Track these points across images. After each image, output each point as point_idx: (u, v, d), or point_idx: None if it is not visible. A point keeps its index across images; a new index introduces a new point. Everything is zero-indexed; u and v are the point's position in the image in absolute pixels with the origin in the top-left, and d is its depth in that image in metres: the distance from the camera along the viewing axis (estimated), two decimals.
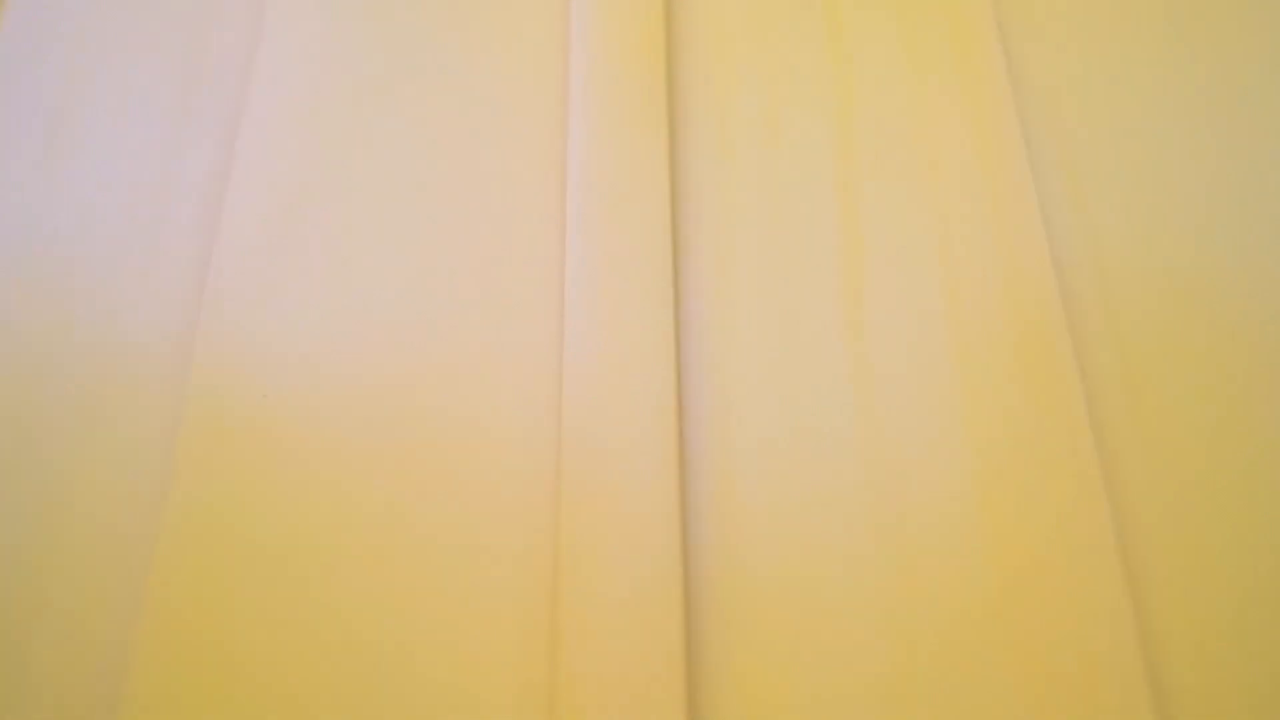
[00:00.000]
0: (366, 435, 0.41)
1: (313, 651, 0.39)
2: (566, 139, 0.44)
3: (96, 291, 0.42)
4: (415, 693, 0.39)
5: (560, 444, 0.40)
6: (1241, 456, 0.41)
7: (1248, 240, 0.44)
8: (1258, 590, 0.39)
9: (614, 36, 0.45)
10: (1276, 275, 0.43)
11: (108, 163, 0.44)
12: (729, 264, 0.44)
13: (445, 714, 0.38)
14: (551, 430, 0.41)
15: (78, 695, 0.38)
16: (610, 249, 0.43)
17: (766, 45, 0.48)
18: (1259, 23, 0.46)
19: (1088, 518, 0.39)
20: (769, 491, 0.40)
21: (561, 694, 0.32)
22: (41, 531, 0.42)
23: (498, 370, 0.42)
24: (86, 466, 0.42)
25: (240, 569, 0.40)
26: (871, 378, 0.41)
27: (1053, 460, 0.39)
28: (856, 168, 0.45)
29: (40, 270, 0.41)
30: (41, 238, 0.41)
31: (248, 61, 0.44)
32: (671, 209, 0.42)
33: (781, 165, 0.45)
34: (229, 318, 0.42)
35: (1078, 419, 0.39)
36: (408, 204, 0.46)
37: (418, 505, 0.40)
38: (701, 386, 0.41)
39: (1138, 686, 0.37)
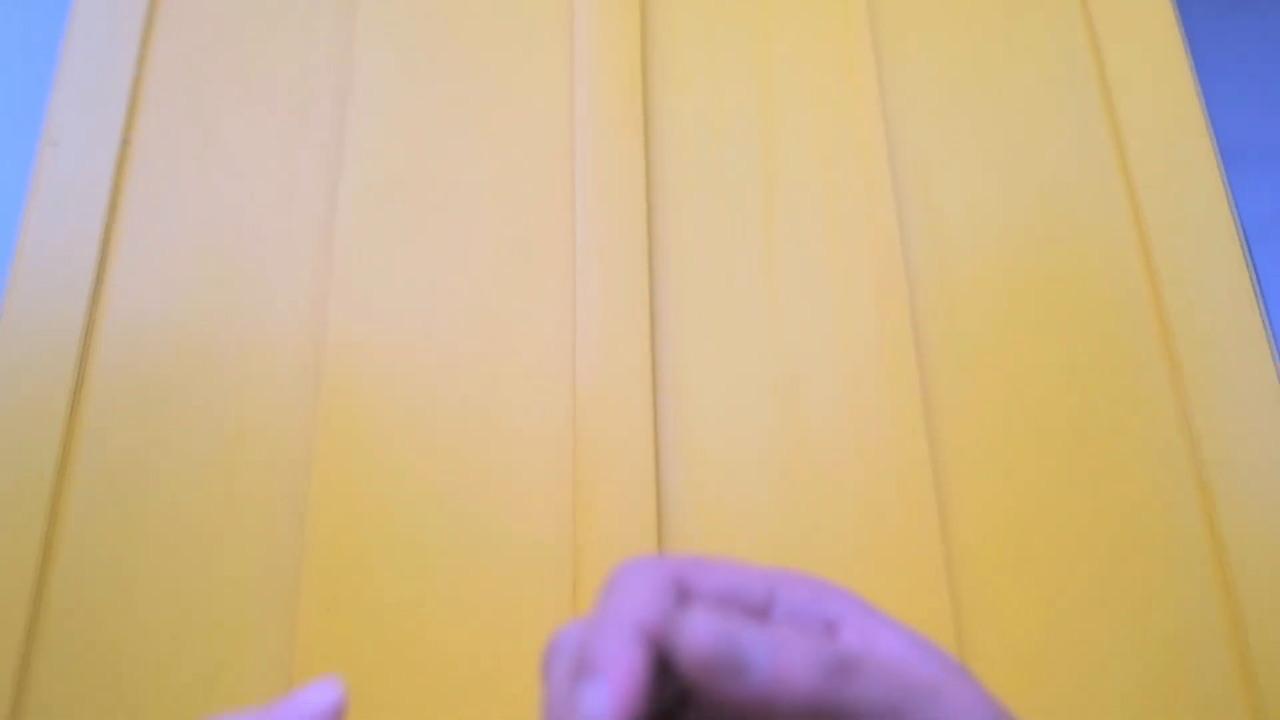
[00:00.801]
0: (438, 421, 0.45)
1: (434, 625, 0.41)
2: (574, 168, 0.51)
3: (241, 282, 0.49)
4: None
5: (574, 383, 0.46)
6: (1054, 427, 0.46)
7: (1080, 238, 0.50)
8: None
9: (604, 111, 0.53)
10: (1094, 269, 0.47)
11: (246, 174, 0.51)
12: (687, 255, 0.47)
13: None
14: (567, 376, 0.47)
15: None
16: (608, 246, 0.49)
17: (709, 77, 0.54)
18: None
19: (909, 436, 0.46)
20: (719, 432, 0.47)
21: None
22: (199, 501, 0.44)
23: (521, 355, 0.47)
24: (236, 439, 0.46)
25: (375, 552, 0.43)
26: (782, 328, 0.48)
27: (887, 390, 0.47)
28: (776, 172, 0.51)
29: (197, 265, 0.48)
30: (197, 239, 0.49)
31: (344, 91, 0.52)
32: (648, 212, 0.50)
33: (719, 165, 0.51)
34: (348, 304, 0.48)
35: (911, 372, 0.47)
36: (466, 207, 0.49)
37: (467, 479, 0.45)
38: (669, 362, 0.48)
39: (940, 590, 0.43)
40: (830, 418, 0.46)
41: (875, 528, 0.44)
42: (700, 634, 0.25)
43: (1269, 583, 0.43)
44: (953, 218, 0.50)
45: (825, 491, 0.45)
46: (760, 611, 0.29)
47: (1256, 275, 0.48)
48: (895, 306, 0.47)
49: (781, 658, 0.26)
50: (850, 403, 0.46)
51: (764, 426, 0.46)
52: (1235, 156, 0.52)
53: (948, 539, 0.44)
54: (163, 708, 0.40)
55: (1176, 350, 0.46)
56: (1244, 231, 0.49)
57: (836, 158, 0.50)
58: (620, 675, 0.26)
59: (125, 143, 0.50)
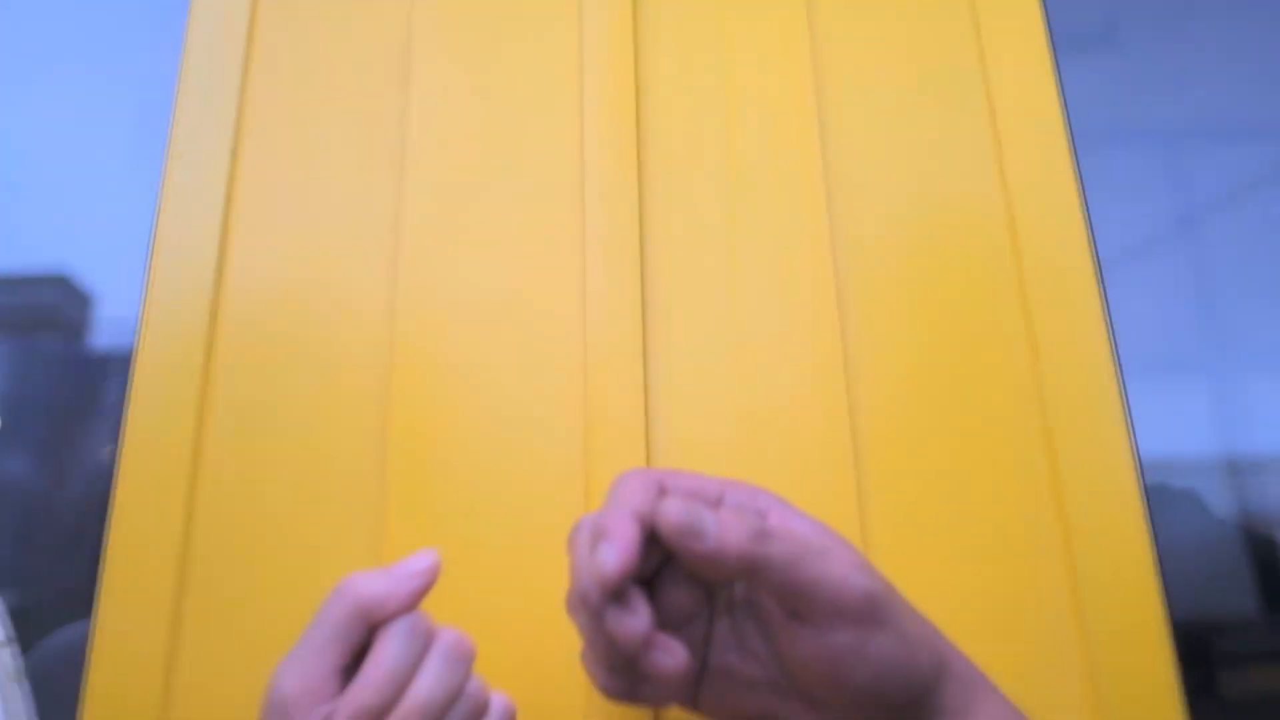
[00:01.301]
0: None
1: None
2: (584, 188, 0.65)
3: (330, 263, 0.63)
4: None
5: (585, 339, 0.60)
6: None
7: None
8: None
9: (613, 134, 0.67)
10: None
11: (330, 180, 0.65)
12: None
13: None
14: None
15: None
16: (609, 248, 0.64)
17: (685, 114, 0.69)
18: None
19: (832, 399, 0.60)
20: (693, 382, 0.61)
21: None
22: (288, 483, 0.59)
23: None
24: (323, 426, 0.60)
25: (440, 472, 0.59)
26: (738, 310, 0.63)
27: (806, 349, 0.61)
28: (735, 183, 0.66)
29: (295, 248, 0.63)
30: (295, 228, 0.64)
31: (405, 113, 0.66)
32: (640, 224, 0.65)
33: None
34: (413, 281, 0.62)
35: (837, 349, 0.62)
36: (499, 211, 0.65)
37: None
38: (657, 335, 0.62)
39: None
40: (773, 379, 0.61)
41: (796, 457, 0.59)
42: (674, 512, 0.41)
43: (1095, 505, 0.58)
44: (873, 227, 0.65)
45: (766, 435, 0.60)
46: (714, 502, 0.45)
47: (1102, 273, 0.64)
48: (825, 300, 0.62)
49: (724, 529, 0.41)
50: (789, 370, 0.61)
51: (725, 382, 0.61)
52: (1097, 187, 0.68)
53: (860, 468, 0.59)
54: (291, 585, 0.56)
55: (1035, 330, 0.61)
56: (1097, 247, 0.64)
57: (782, 181, 0.65)
58: (622, 539, 0.41)
59: (234, 155, 0.65)
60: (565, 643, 0.51)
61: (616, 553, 0.41)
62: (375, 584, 0.42)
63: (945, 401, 0.60)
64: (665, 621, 0.43)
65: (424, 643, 0.42)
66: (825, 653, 0.40)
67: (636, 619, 0.41)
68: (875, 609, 0.40)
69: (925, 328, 0.62)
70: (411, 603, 0.42)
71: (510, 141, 0.65)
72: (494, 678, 0.45)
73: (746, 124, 0.66)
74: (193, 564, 0.56)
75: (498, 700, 0.44)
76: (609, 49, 0.67)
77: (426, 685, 0.41)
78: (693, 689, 0.44)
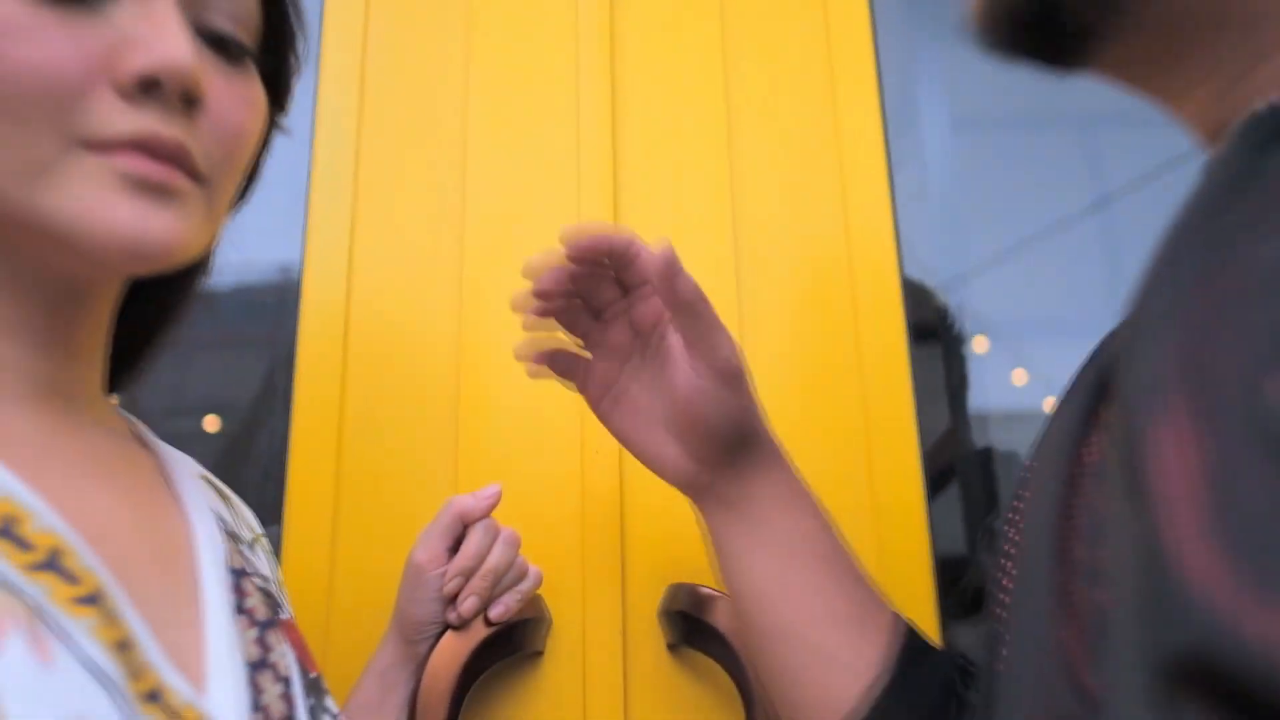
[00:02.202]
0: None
1: None
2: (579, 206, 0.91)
3: (413, 256, 0.90)
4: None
5: None
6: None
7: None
8: None
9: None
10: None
11: (414, 195, 0.92)
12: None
13: None
14: None
15: None
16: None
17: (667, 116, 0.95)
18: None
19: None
20: None
21: None
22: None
23: None
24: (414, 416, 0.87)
25: (491, 417, 0.86)
26: None
27: None
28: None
29: (392, 249, 0.90)
30: (391, 234, 0.91)
31: (463, 131, 0.93)
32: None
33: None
34: (476, 269, 0.88)
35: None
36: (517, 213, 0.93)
37: None
38: None
39: None
40: None
41: None
42: (666, 250, 0.60)
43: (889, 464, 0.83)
44: (766, 239, 0.89)
45: None
46: None
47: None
48: (728, 300, 0.87)
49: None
50: None
51: None
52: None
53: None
54: (403, 502, 0.84)
55: (860, 317, 0.86)
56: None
57: (686, 209, 0.90)
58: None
59: (355, 178, 0.91)
60: (566, 544, 0.78)
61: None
62: (467, 502, 0.70)
63: (812, 390, 0.86)
64: (607, 348, 0.63)
65: (494, 534, 0.70)
66: (696, 395, 0.58)
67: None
68: (739, 380, 0.59)
69: (800, 330, 0.87)
70: (487, 512, 0.70)
71: (545, 172, 0.91)
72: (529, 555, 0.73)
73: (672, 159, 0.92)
74: (344, 487, 0.84)
75: (533, 570, 0.73)
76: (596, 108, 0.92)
77: (495, 557, 0.69)
78: (601, 391, 0.64)
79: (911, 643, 0.58)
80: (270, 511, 0.80)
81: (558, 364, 0.66)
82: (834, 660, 0.58)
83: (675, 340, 0.59)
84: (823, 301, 0.88)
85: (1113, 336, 0.45)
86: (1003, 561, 0.47)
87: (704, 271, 0.65)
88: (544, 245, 0.60)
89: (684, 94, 0.94)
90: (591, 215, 0.89)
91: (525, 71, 0.94)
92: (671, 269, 0.57)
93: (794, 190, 0.91)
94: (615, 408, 0.64)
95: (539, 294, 0.62)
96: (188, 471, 0.55)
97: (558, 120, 0.93)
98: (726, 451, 0.60)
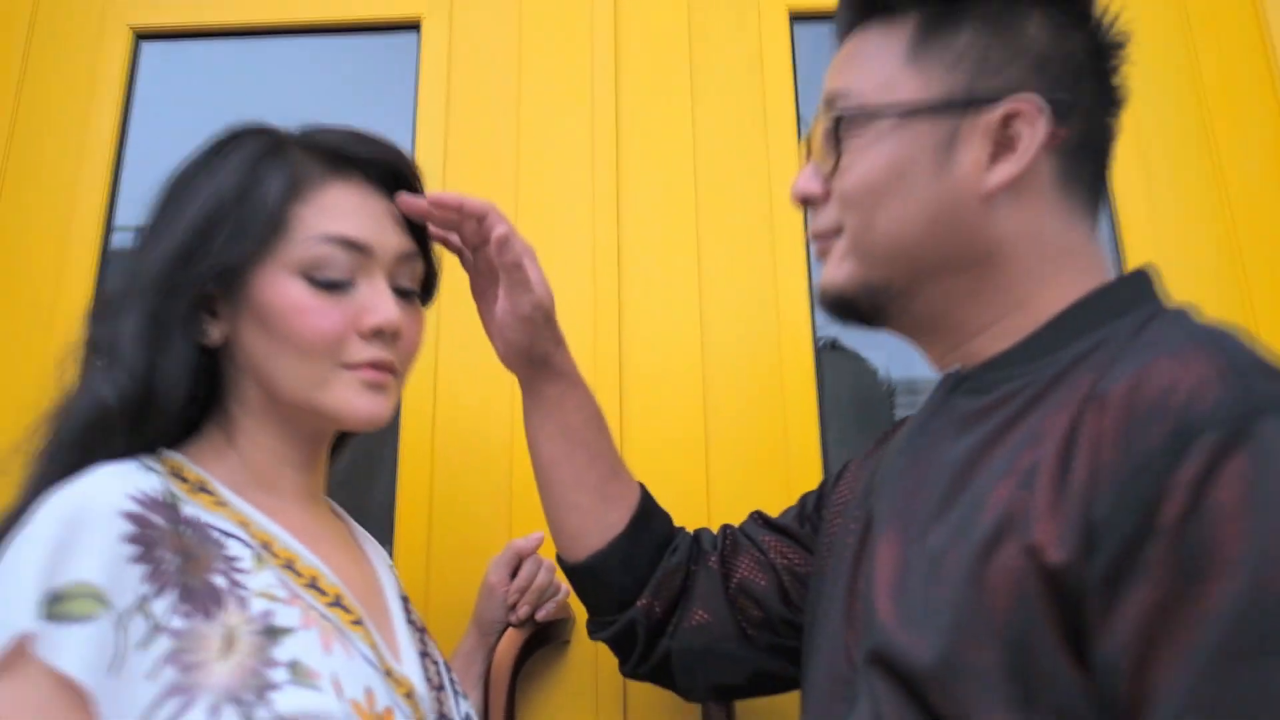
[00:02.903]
0: None
1: None
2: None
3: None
4: None
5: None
6: None
7: None
8: None
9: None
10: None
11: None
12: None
13: None
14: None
15: None
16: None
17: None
18: None
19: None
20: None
21: None
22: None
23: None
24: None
25: None
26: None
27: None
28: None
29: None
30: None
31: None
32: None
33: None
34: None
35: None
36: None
37: None
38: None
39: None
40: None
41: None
42: (502, 230, 0.90)
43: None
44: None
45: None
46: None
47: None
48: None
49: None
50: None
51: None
52: None
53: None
54: (479, 518, 1.21)
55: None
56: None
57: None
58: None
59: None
60: None
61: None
62: (521, 543, 1.08)
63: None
64: (476, 266, 0.93)
65: (539, 564, 1.09)
66: (504, 323, 0.89)
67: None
68: (536, 325, 0.89)
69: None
70: (534, 550, 1.09)
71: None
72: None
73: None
74: (435, 531, 1.22)
75: (564, 587, 1.11)
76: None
77: (541, 579, 1.08)
78: (476, 291, 0.94)
79: (642, 512, 0.96)
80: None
81: (465, 262, 0.95)
82: (587, 515, 0.94)
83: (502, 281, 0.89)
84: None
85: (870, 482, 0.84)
86: (825, 544, 0.87)
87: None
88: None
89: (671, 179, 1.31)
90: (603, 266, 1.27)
91: (552, 175, 1.32)
92: (500, 241, 0.86)
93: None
94: (479, 304, 0.96)
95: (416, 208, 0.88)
96: (361, 532, 0.93)
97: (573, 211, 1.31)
98: (528, 363, 0.93)
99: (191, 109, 1.45)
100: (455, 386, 1.27)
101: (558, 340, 0.93)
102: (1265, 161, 1.31)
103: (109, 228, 1.35)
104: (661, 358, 1.27)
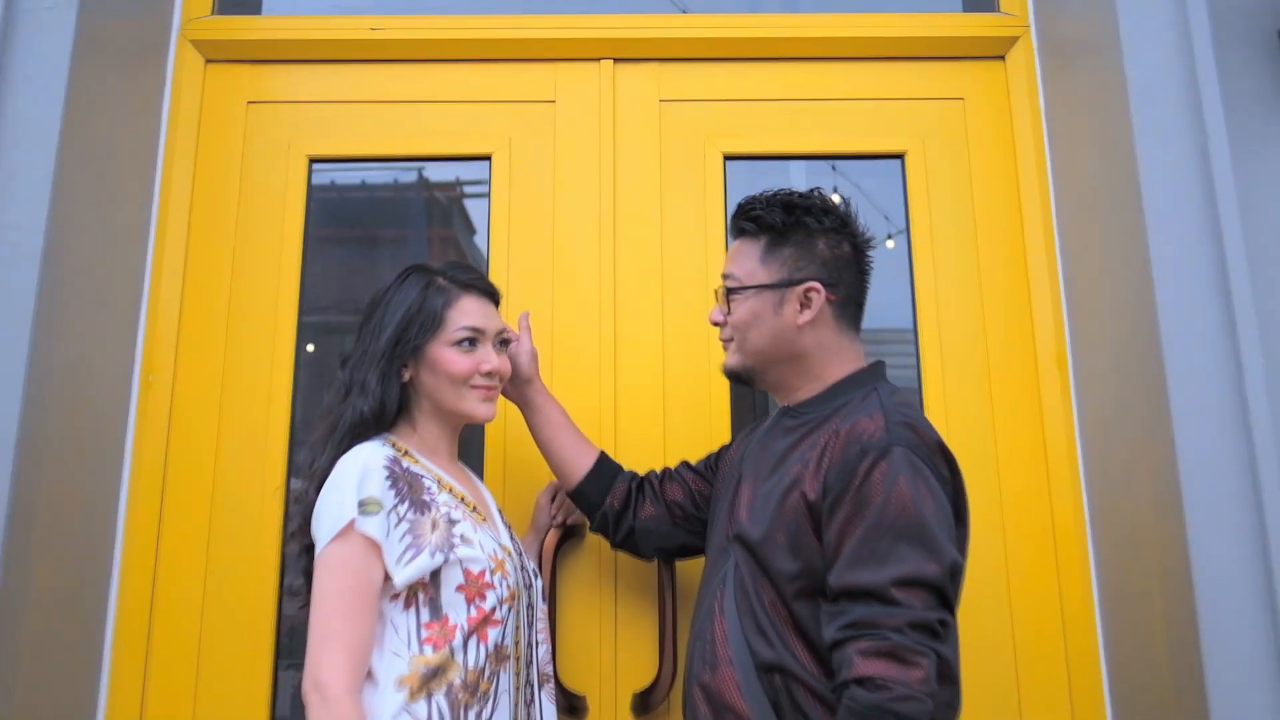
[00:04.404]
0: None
1: None
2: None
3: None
4: None
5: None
6: None
7: None
8: None
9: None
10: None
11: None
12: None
13: None
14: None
15: None
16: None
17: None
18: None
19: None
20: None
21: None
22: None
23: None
24: None
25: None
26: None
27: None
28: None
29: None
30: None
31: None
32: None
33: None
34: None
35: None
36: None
37: None
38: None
39: None
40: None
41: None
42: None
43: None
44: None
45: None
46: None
47: None
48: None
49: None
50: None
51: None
52: None
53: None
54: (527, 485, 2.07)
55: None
56: None
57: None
58: None
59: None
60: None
61: None
62: (554, 483, 1.95)
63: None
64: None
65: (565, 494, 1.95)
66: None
67: None
68: (522, 380, 1.87)
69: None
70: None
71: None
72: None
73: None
74: (510, 461, 2.09)
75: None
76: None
77: (568, 502, 1.95)
78: None
79: (600, 464, 1.88)
80: None
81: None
82: (572, 465, 1.88)
83: None
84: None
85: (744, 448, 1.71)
86: (719, 481, 1.78)
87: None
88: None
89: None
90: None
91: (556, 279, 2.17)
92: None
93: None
94: None
95: None
96: (474, 475, 1.81)
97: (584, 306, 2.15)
98: (519, 394, 1.89)
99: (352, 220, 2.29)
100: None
101: (535, 387, 1.91)
102: (1008, 258, 2.16)
103: (301, 303, 2.21)
104: (639, 374, 2.13)
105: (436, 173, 2.39)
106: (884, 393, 1.56)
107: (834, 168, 2.31)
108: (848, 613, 1.39)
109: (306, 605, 1.56)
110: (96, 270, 1.96)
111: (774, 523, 1.51)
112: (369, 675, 1.51)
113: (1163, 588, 1.76)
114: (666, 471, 1.90)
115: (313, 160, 2.27)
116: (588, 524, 1.98)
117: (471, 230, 2.36)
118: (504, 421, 2.03)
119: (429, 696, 1.50)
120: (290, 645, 2.05)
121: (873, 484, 1.42)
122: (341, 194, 2.37)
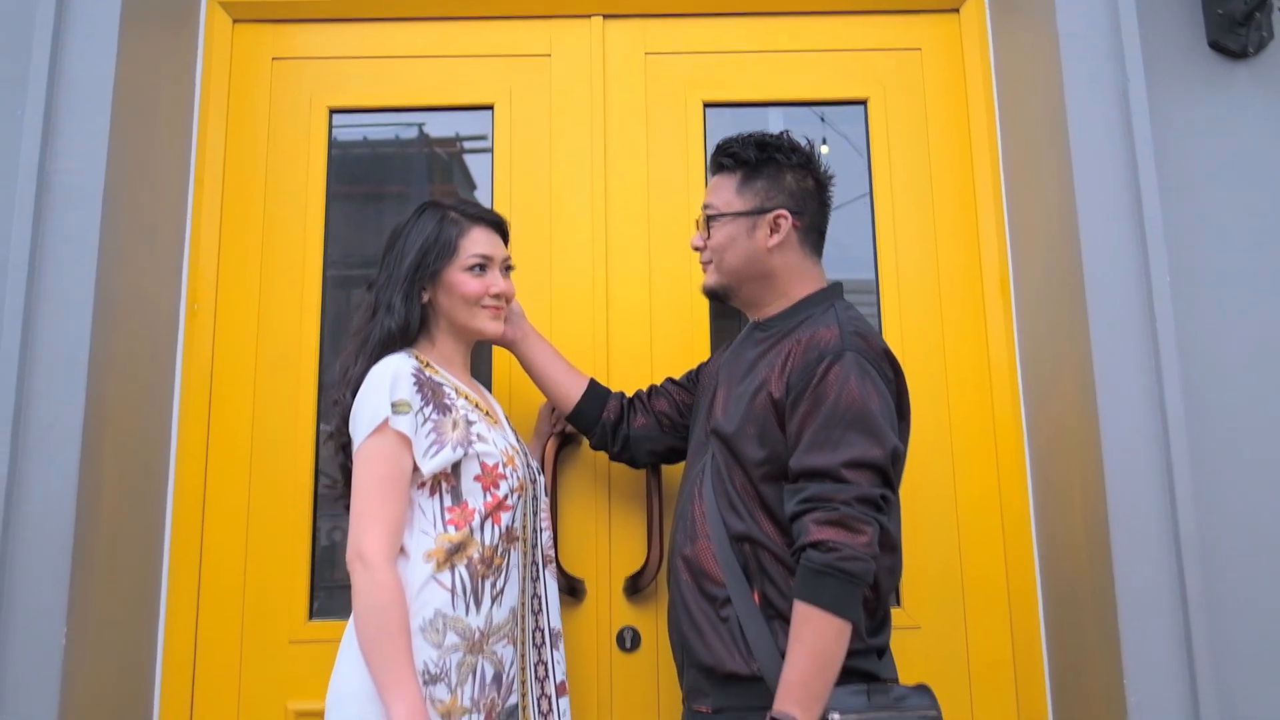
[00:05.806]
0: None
1: None
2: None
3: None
4: None
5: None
6: None
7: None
8: None
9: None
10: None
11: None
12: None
13: None
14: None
15: None
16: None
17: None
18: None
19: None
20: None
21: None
22: None
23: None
24: None
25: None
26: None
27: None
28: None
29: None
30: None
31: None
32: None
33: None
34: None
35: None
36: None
37: None
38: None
39: None
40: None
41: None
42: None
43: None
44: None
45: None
46: None
47: None
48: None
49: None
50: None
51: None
52: None
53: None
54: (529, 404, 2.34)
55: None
56: None
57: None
58: None
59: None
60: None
61: None
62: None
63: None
64: None
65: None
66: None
67: None
68: (515, 321, 2.13)
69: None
70: None
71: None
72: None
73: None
74: (514, 379, 2.35)
75: None
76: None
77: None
78: None
79: (592, 388, 2.14)
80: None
81: None
82: (566, 391, 2.14)
83: None
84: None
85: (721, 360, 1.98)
86: (699, 392, 2.06)
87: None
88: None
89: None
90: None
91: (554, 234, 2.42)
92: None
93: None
94: None
95: None
96: (482, 387, 2.08)
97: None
98: (510, 335, 2.15)
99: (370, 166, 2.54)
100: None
101: (525, 330, 2.17)
102: (959, 194, 2.42)
103: (326, 255, 2.47)
104: (629, 300, 2.40)
105: (437, 128, 2.62)
106: (840, 308, 1.82)
107: (822, 118, 2.54)
108: (805, 490, 1.67)
109: (343, 495, 1.84)
110: (146, 211, 2.22)
111: (745, 418, 1.78)
112: (402, 550, 1.79)
113: (1082, 476, 2.06)
114: (653, 388, 2.16)
115: (333, 111, 2.51)
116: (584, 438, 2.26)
117: (472, 185, 2.59)
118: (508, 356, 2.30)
119: (452, 568, 1.78)
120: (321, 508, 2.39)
121: (828, 383, 1.69)
122: (346, 151, 2.59)
